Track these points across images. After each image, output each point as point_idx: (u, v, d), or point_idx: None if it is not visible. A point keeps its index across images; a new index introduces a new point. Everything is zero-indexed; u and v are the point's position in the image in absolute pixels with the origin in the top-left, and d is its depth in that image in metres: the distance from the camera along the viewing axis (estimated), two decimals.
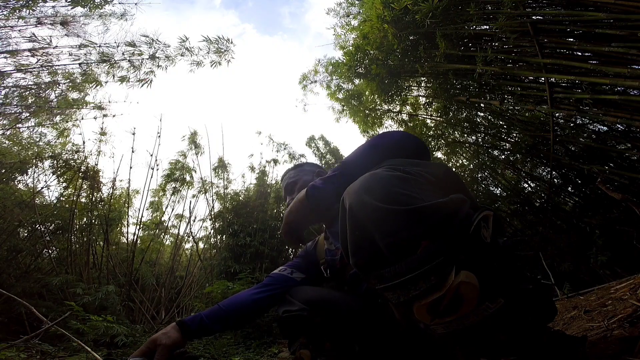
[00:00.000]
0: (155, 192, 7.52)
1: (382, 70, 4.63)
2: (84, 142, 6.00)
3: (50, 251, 5.73)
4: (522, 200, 5.06)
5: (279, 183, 9.03)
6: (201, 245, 8.41)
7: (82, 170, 5.81)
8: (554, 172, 4.71)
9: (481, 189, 5.36)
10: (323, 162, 8.54)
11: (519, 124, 4.39)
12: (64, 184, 6.07)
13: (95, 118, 5.69)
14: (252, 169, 8.66)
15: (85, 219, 6.14)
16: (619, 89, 2.40)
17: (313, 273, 1.31)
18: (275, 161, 9.18)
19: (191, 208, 7.62)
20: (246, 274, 5.80)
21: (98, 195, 6.29)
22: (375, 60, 4.74)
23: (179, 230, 8.11)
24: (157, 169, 7.36)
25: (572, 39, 2.61)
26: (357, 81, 5.59)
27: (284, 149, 8.72)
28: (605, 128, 3.38)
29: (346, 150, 9.31)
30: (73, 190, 5.99)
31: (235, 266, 7.05)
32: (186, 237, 8.10)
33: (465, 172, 5.72)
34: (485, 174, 5.37)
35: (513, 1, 2.37)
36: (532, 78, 3.28)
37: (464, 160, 5.89)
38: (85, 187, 6.08)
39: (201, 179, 7.77)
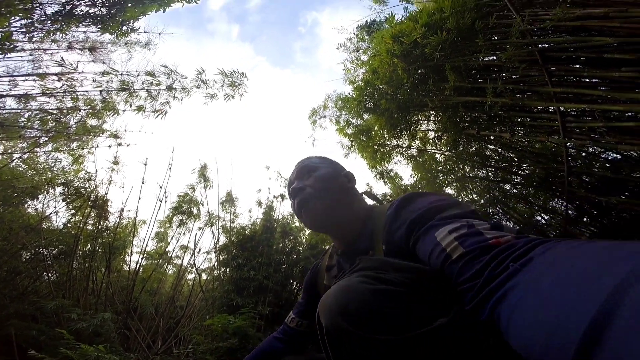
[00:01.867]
0: (162, 223, 7.49)
1: (391, 104, 4.71)
2: (96, 170, 6.07)
3: (49, 275, 5.61)
4: (536, 233, 4.89)
5: (285, 218, 9.01)
6: (204, 276, 8.19)
7: (91, 198, 5.85)
8: (568, 205, 4.60)
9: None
10: None
11: (530, 156, 4.36)
12: (72, 211, 6.07)
13: (110, 146, 5.82)
14: (260, 203, 8.66)
15: (89, 246, 6.07)
16: (629, 114, 2.39)
17: (309, 308, 1.13)
18: (283, 197, 9.14)
19: (196, 240, 7.54)
20: (249, 309, 5.55)
21: (104, 224, 6.28)
22: (385, 94, 4.86)
23: (182, 261, 7.97)
24: (166, 201, 7.43)
25: (580, 66, 2.65)
26: (366, 116, 5.70)
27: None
28: (619, 156, 3.32)
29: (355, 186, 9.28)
30: (80, 218, 6.00)
31: (238, 299, 6.81)
32: (189, 268, 7.92)
33: (477, 207, 5.61)
34: (497, 208, 5.25)
35: (519, 30, 2.45)
36: (542, 108, 3.31)
37: (475, 196, 5.80)
38: (93, 215, 6.08)
39: (208, 212, 7.77)
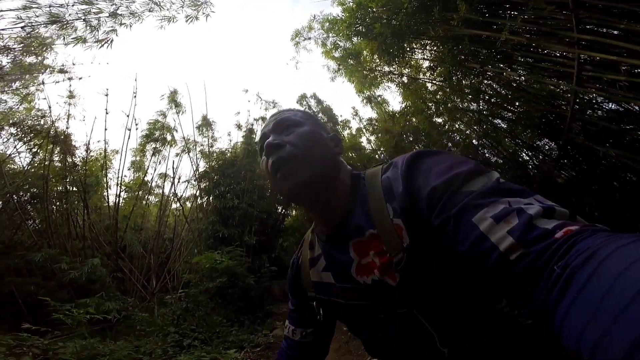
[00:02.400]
0: (136, 151, 7.07)
1: (385, 29, 4.20)
2: (49, 107, 5.56)
3: (28, 223, 5.36)
4: (518, 166, 5.06)
5: None
6: (188, 205, 8.19)
7: (50, 135, 5.28)
8: (554, 144, 4.67)
9: (479, 156, 5.28)
10: None
11: (527, 96, 4.18)
12: (34, 150, 5.53)
13: (56, 82, 5.10)
14: (239, 126, 8.27)
15: (60, 186, 5.71)
16: None
17: (305, 315, 0.90)
18: (264, 119, 8.70)
19: (174, 168, 7.28)
20: (234, 247, 5.68)
21: (72, 160, 5.82)
22: (379, 18, 4.29)
23: (163, 190, 7.80)
24: (137, 128, 6.92)
25: (616, 18, 2.33)
26: (355, 40, 5.11)
27: (273, 106, 8.36)
28: (621, 109, 3.25)
29: (340, 110, 8.92)
30: (44, 156, 5.50)
31: (224, 230, 6.91)
32: (172, 197, 7.82)
33: (465, 139, 5.59)
34: (485, 141, 5.25)
35: None
36: (558, 53, 3.02)
37: (463, 127, 5.73)
38: (57, 152, 5.58)
39: (184, 138, 7.35)
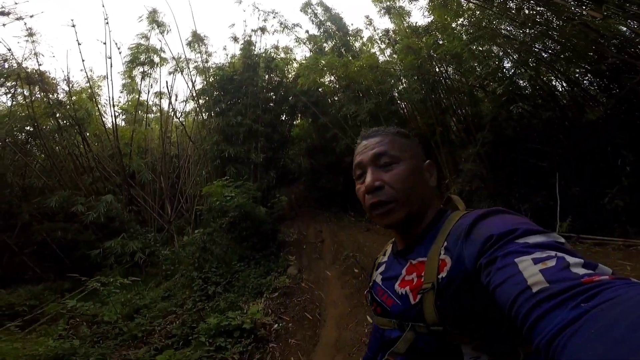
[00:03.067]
0: (124, 75, 6.36)
1: None
2: (9, 50, 5.01)
3: (33, 163, 5.27)
4: (551, 97, 4.53)
5: (268, 52, 7.70)
6: (190, 120, 7.86)
7: (21, 75, 4.64)
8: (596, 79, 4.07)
9: (512, 85, 4.65)
10: (321, 29, 6.91)
11: (586, 30, 3.40)
12: (11, 92, 5.00)
13: (4, 25, 4.31)
14: (235, 39, 7.26)
15: (52, 122, 5.35)
16: None
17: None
18: (263, 29, 7.47)
19: (169, 87, 6.70)
20: (242, 181, 5.63)
21: (55, 97, 5.27)
22: None
23: (160, 107, 7.37)
24: (120, 53, 6.12)
25: None
26: None
27: (273, 17, 7.23)
28: None
29: (350, 18, 7.59)
30: (24, 96, 4.99)
31: (229, 149, 6.80)
32: (172, 114, 7.45)
33: (494, 60, 4.82)
34: (522, 69, 4.54)
35: None
36: None
37: (501, 52, 4.86)
38: (37, 90, 5.02)
39: (174, 57, 6.61)
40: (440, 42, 5.01)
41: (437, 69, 5.49)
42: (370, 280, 0.94)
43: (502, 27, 4.32)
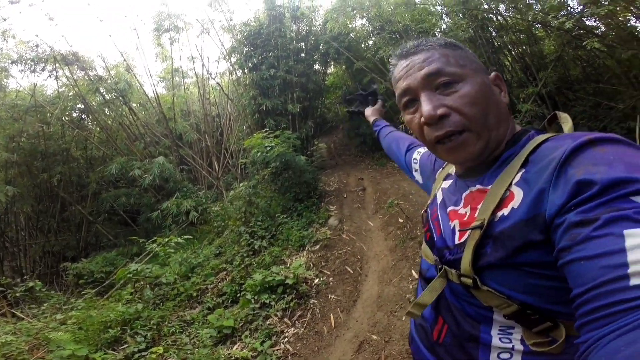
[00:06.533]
0: (154, 41, 6.39)
1: None
2: (37, 35, 5.12)
3: (92, 136, 5.75)
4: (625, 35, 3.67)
5: (291, 1, 7.11)
6: (226, 79, 7.86)
7: (57, 59, 4.90)
8: None
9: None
10: None
11: None
12: (55, 75, 5.33)
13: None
14: None
15: (97, 98, 5.69)
16: None
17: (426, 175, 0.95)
18: None
19: (199, 50, 6.67)
20: (281, 130, 5.62)
21: (95, 73, 5.53)
22: None
23: (195, 71, 7.42)
24: (144, 24, 6.14)
25: None
26: None
27: None
28: None
29: None
30: (65, 77, 5.32)
31: (266, 102, 6.83)
32: (207, 76, 7.49)
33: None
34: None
35: None
36: None
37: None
38: (76, 70, 5.28)
39: (197, 20, 6.44)
40: None
41: (485, 5, 4.67)
42: (432, 194, 0.80)
43: None
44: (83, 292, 3.68)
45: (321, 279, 3.65)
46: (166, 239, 3.73)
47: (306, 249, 4.46)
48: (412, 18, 5.09)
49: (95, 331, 2.65)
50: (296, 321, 3.01)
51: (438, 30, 5.60)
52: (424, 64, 0.62)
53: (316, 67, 7.83)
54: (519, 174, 0.53)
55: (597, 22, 3.91)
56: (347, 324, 2.91)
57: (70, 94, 5.49)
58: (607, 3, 3.35)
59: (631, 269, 0.34)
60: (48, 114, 5.24)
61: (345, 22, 5.61)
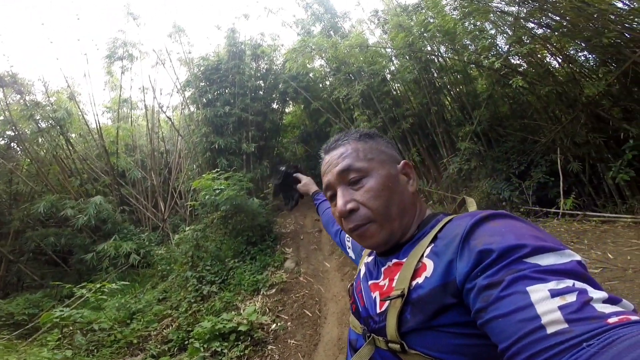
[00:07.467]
0: (104, 69, 6.13)
1: None
2: None
3: (19, 168, 5.09)
4: (542, 72, 4.38)
5: (253, 39, 7.42)
6: (178, 113, 7.66)
7: None
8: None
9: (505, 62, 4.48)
10: (309, 12, 6.58)
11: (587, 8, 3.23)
12: None
13: None
14: (219, 28, 7.03)
15: (32, 125, 5.15)
16: None
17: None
18: (247, 16, 7.14)
19: (152, 81, 6.49)
20: (231, 172, 5.48)
21: (31, 98, 5.04)
22: None
23: (145, 103, 7.13)
24: (98, 49, 5.89)
25: None
26: None
27: (257, 1, 6.89)
28: None
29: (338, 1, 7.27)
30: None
31: (219, 140, 6.67)
32: (158, 109, 7.23)
33: (492, 42, 4.61)
34: (515, 47, 4.36)
35: None
36: None
37: (493, 30, 4.65)
38: (11, 93, 4.78)
39: (154, 50, 6.39)
40: (432, 20, 4.79)
41: (429, 48, 5.27)
42: (358, 269, 0.87)
43: (494, 2, 4.10)
44: None
45: (279, 323, 3.47)
46: (98, 285, 3.29)
47: (261, 293, 4.23)
48: (365, 60, 5.52)
49: None
50: None
51: (387, 71, 6.10)
52: (339, 159, 0.72)
53: (274, 105, 7.96)
54: (429, 248, 0.60)
55: (520, 60, 4.57)
56: None
57: (0, 118, 4.90)
58: (528, 42, 3.96)
59: (544, 320, 0.39)
60: None
61: (305, 62, 5.88)
